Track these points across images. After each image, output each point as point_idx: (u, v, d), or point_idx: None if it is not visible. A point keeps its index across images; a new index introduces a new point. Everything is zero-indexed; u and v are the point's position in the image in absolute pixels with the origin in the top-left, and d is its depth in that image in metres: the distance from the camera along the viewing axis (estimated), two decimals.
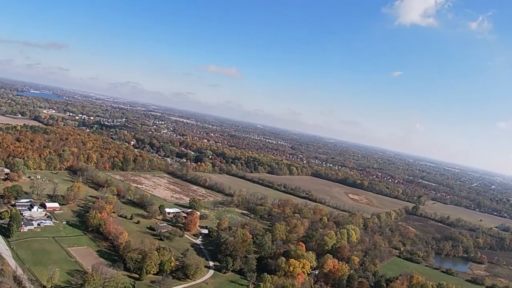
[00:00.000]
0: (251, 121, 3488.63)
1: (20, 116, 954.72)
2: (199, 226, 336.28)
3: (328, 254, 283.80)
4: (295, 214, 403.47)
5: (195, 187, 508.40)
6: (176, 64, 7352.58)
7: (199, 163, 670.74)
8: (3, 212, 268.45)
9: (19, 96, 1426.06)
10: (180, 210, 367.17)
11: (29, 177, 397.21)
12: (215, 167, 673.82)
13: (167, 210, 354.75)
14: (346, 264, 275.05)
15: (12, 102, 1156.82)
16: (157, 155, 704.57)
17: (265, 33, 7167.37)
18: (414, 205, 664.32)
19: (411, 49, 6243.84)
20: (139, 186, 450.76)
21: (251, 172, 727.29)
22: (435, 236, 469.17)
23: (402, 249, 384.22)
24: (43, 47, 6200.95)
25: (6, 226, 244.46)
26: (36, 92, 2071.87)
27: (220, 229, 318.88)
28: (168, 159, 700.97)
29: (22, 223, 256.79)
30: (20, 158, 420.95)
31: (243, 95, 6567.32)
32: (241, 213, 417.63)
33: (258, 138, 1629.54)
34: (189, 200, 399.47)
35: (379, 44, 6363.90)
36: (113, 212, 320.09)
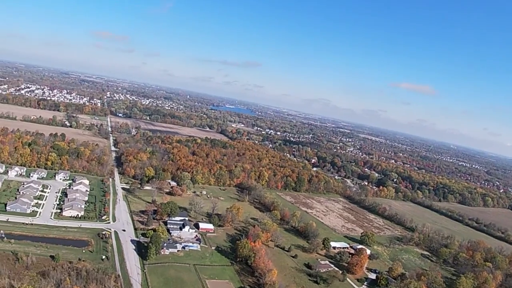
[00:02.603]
0: (444, 140, 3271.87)
1: (208, 129, 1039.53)
2: (366, 268, 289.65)
3: None
4: (487, 263, 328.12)
5: (372, 216, 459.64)
6: (368, 81, 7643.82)
7: (381, 187, 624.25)
8: (149, 229, 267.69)
9: (212, 110, 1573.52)
10: (347, 245, 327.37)
11: (194, 192, 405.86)
12: (399, 193, 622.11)
13: (333, 244, 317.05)
14: None
15: (204, 115, 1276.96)
16: (336, 176, 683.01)
17: (462, 50, 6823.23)
18: None
19: None
20: (308, 210, 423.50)
21: (439, 200, 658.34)
22: None
23: None
24: (240, 65, 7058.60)
25: (146, 246, 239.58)
26: (231, 107, 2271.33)
27: (391, 276, 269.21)
28: (348, 181, 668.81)
29: (164, 244, 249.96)
30: (188, 172, 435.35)
31: (436, 113, 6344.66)
32: (421, 254, 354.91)
33: (451, 161, 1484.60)
34: (361, 234, 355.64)
35: None
36: (270, 241, 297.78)
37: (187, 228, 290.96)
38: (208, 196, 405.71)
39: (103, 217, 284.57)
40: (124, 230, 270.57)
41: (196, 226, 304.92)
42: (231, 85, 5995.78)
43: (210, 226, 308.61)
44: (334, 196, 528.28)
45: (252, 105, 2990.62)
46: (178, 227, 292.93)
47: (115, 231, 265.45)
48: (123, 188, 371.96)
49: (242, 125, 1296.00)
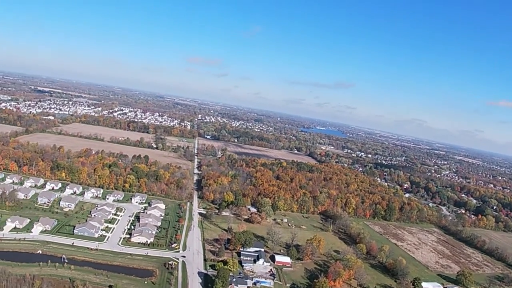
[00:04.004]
0: None
1: (296, 151, 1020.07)
2: None
3: None
4: None
5: (469, 250, 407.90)
6: (464, 100, 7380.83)
7: (480, 215, 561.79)
8: (219, 261, 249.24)
9: (302, 132, 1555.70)
10: (441, 286, 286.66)
11: (274, 219, 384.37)
12: (499, 223, 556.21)
13: (424, 285, 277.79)
14: None
15: (293, 137, 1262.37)
16: (430, 203, 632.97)
17: None
18: None
19: None
20: (398, 243, 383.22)
21: None
22: None
23: None
24: (331, 87, 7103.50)
25: (213, 280, 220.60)
26: (322, 128, 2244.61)
27: None
28: (443, 208, 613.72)
29: (233, 279, 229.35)
30: (269, 198, 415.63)
31: None
32: None
33: None
34: (457, 272, 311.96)
35: None
36: (353, 279, 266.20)
37: (261, 261, 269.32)
38: (289, 224, 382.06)
39: (173, 245, 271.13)
40: (184, 256, 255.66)
41: (272, 258, 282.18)
42: (322, 107, 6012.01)
43: (287, 259, 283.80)
44: (428, 226, 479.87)
45: (343, 126, 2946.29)
46: (252, 259, 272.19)
47: (183, 261, 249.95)
48: (200, 214, 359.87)
49: (332, 147, 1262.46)
